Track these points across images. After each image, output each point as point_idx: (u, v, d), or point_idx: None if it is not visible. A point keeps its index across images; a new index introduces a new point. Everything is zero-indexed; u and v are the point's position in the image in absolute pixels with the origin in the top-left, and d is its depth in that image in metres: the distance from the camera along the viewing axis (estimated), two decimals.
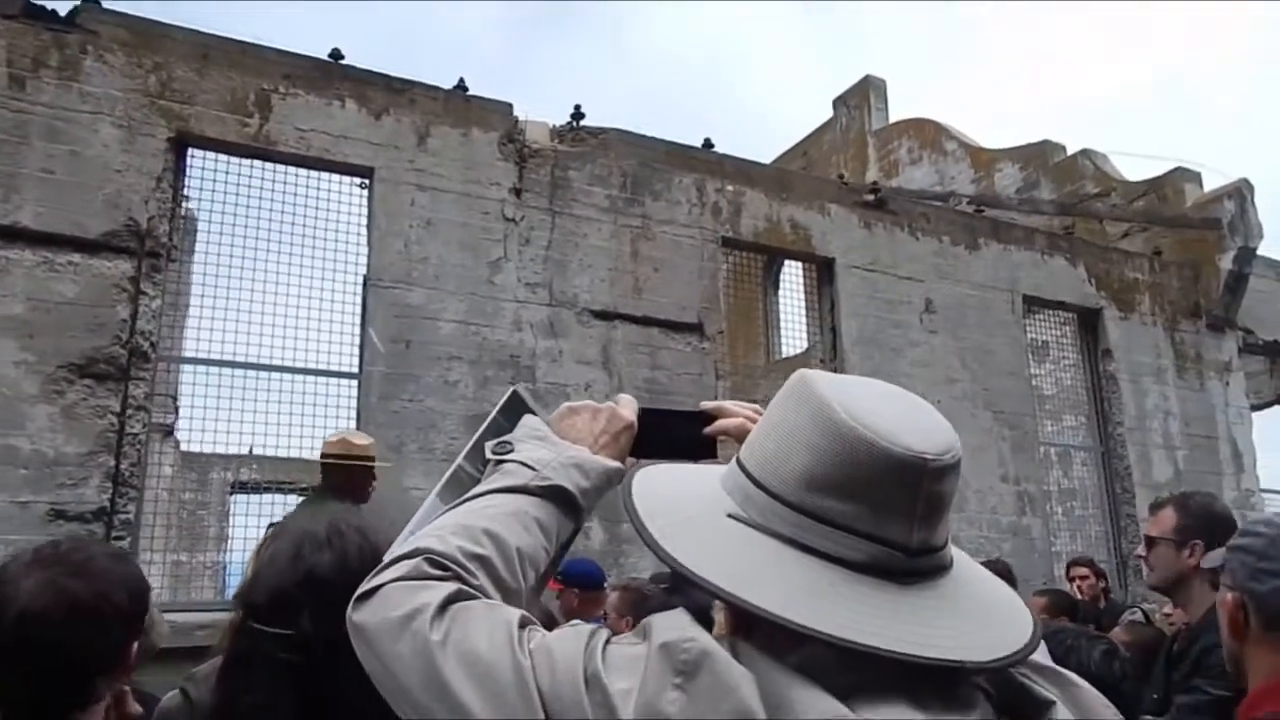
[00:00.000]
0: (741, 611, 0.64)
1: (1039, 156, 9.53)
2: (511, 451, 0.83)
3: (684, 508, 0.72)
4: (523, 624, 0.66)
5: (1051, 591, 4.18)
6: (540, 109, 5.99)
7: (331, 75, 5.04)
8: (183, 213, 4.85)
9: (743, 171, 6.23)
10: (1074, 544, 6.88)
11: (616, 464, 0.86)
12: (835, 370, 5.84)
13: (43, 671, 1.02)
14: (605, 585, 3.68)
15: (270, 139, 4.80)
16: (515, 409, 0.91)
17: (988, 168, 10.10)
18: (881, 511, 0.64)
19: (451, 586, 0.69)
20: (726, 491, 0.72)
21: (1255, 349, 8.47)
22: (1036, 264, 7.22)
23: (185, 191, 4.77)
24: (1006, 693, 0.68)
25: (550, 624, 0.71)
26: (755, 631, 0.64)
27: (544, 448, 0.84)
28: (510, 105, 5.52)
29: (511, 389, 0.95)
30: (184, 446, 6.18)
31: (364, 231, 5.03)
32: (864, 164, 11.55)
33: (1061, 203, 8.69)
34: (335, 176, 5.03)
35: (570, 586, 3.53)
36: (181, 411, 5.05)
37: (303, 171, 4.93)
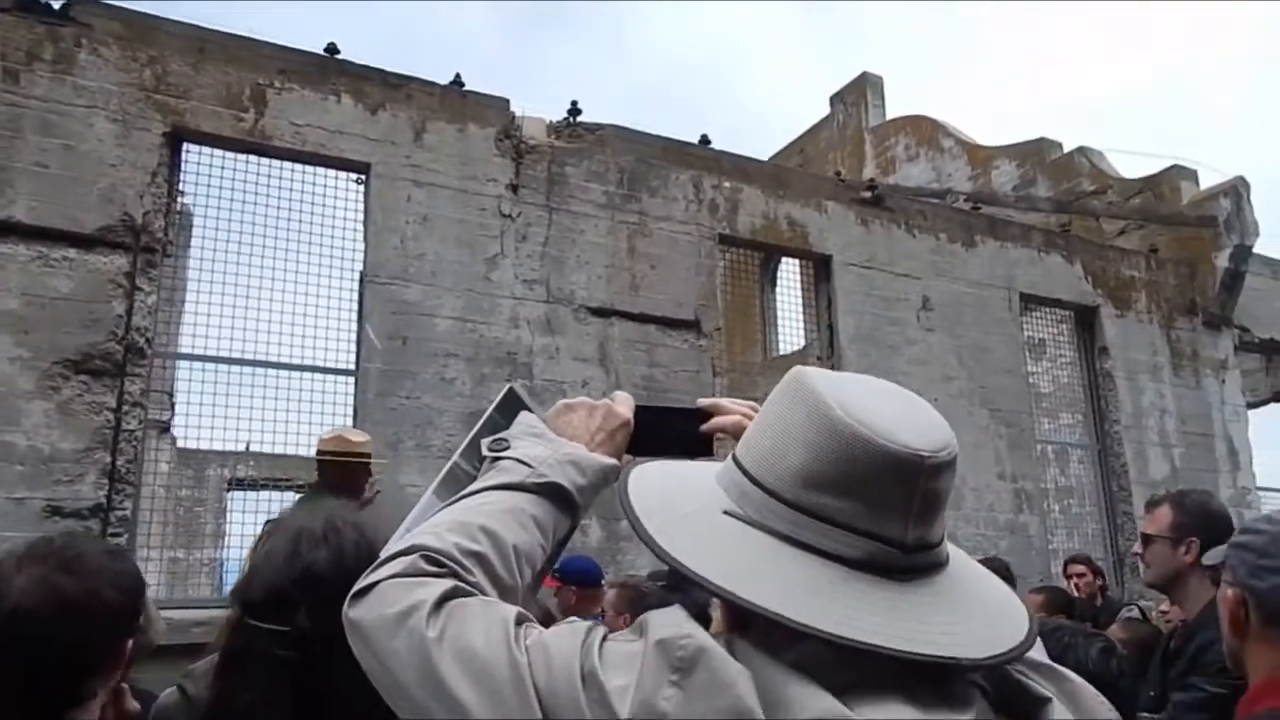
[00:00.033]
0: (738, 608, 0.64)
1: (1036, 154, 9.54)
2: (508, 448, 0.83)
3: (680, 505, 0.72)
4: (519, 621, 0.66)
5: (1048, 589, 4.18)
6: (539, 108, 6.01)
7: (327, 70, 5.03)
8: (178, 208, 4.84)
9: (740, 168, 6.23)
10: (1071, 542, 6.90)
11: (613, 461, 0.86)
12: (832, 367, 5.84)
13: (35, 669, 1.02)
14: (603, 583, 3.68)
15: (266, 134, 4.78)
16: (511, 406, 0.91)
17: (985, 165, 10.11)
18: (878, 508, 0.64)
19: (448, 583, 0.69)
20: (723, 488, 0.72)
21: (1251, 347, 8.50)
22: (1033, 261, 7.23)
23: (180, 186, 4.76)
24: (1003, 689, 0.68)
25: (548, 621, 0.71)
26: (752, 628, 0.64)
27: (540, 445, 0.84)
28: (507, 101, 5.51)
29: (508, 386, 0.95)
30: (180, 443, 6.16)
31: (360, 227, 5.02)
32: (861, 161, 11.56)
33: (1058, 200, 8.70)
34: (331, 172, 5.02)
35: (568, 584, 3.53)
36: (178, 408, 5.04)
37: (298, 167, 4.92)
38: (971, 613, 0.67)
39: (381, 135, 5.06)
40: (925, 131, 11.06)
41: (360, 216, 5.04)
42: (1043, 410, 7.25)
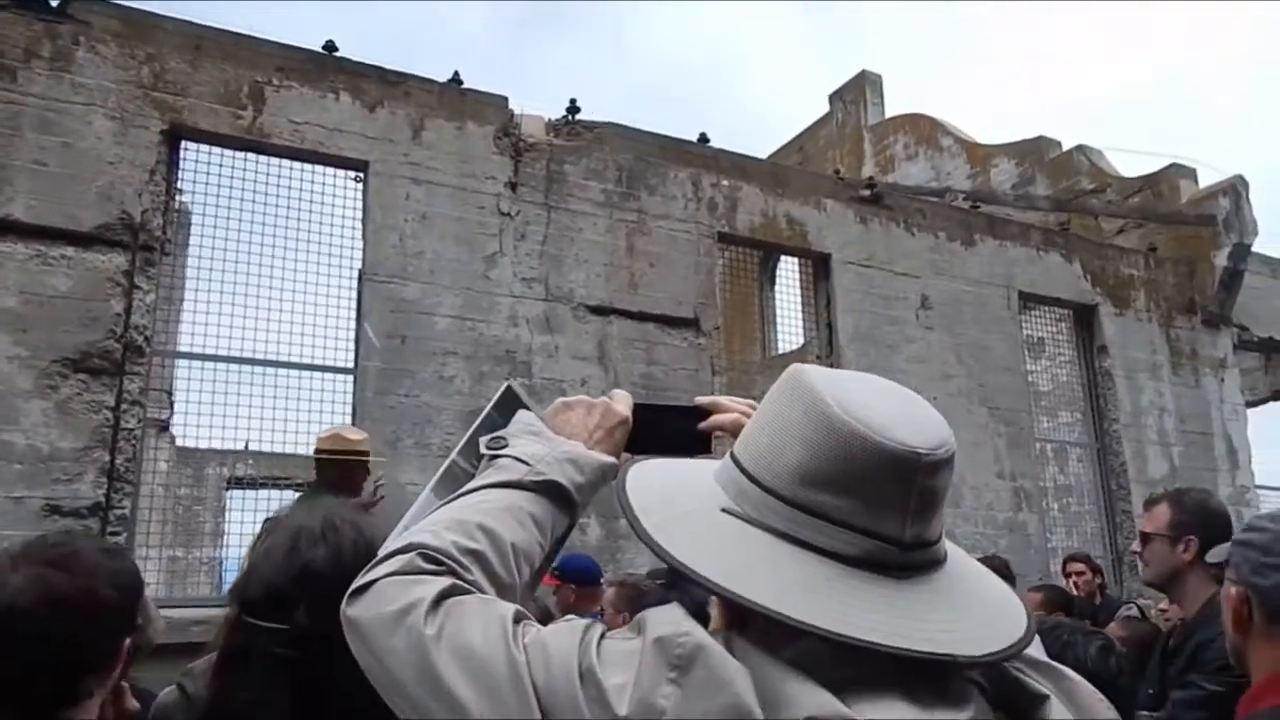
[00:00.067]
0: (736, 606, 0.64)
1: (1034, 152, 9.54)
2: (506, 447, 0.83)
3: (678, 502, 0.72)
4: (517, 619, 0.66)
5: (1047, 587, 4.19)
6: (538, 106, 6.02)
7: (325, 68, 5.02)
8: (176, 206, 4.83)
9: (738, 166, 6.22)
10: (1070, 540, 6.90)
11: (611, 459, 0.86)
12: (831, 366, 5.84)
13: (30, 667, 1.01)
14: (602, 581, 3.68)
15: (264, 132, 4.78)
16: (509, 404, 0.91)
17: (983, 163, 10.11)
18: (875, 506, 0.64)
19: (446, 581, 0.68)
20: (721, 486, 0.72)
21: (1250, 345, 8.50)
22: (1032, 260, 7.23)
23: (179, 184, 4.75)
24: (1001, 687, 0.68)
25: (546, 620, 0.71)
26: (750, 626, 0.64)
27: (538, 443, 0.84)
28: (505, 99, 5.51)
29: (505, 384, 0.95)
30: (179, 442, 6.16)
31: (359, 225, 5.02)
32: (860, 159, 11.56)
33: (1057, 199, 8.70)
34: (330, 170, 5.01)
35: (567, 582, 3.53)
36: (177, 406, 5.04)
37: (297, 165, 4.92)
38: (969, 610, 0.67)
39: (380, 133, 5.06)
40: (924, 130, 11.06)
41: (359, 214, 5.04)
42: (1042, 409, 7.26)
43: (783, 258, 7.60)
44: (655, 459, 0.82)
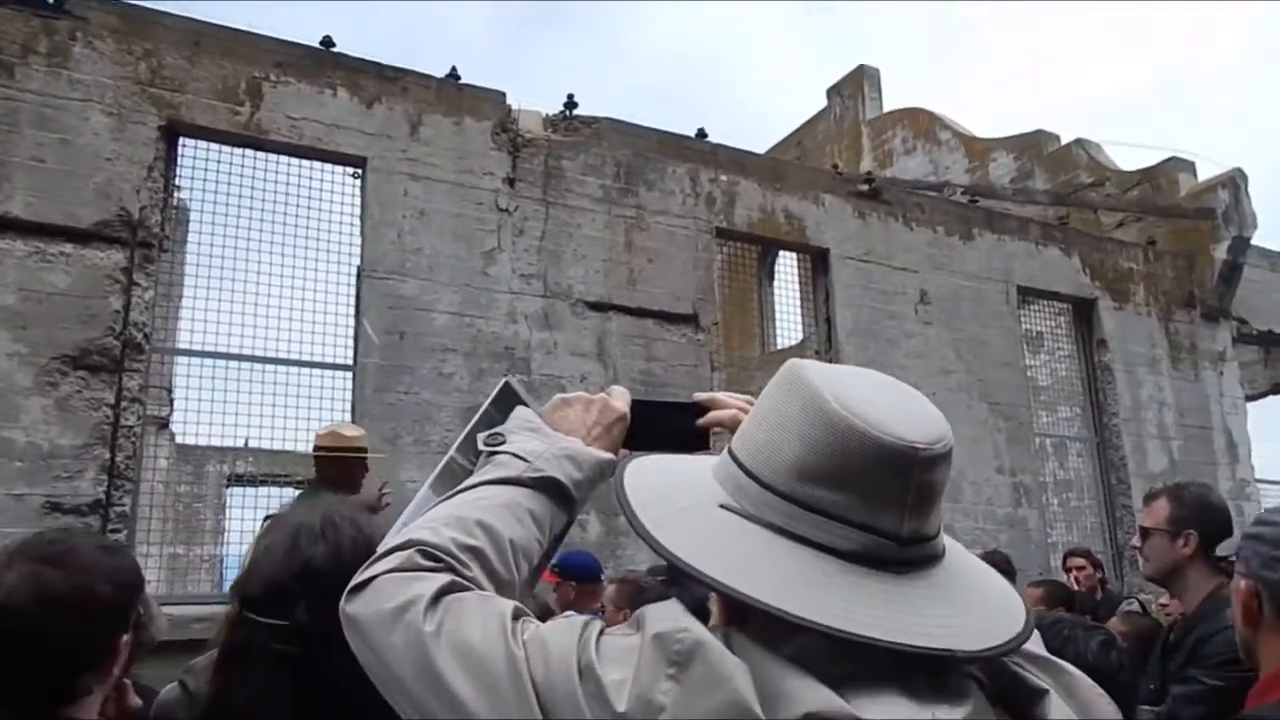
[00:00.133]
0: (735, 602, 0.64)
1: (1033, 146, 9.53)
2: (504, 443, 0.83)
3: (677, 498, 0.72)
4: (516, 615, 0.66)
5: (1047, 582, 4.19)
6: (537, 103, 6.02)
7: (323, 63, 5.01)
8: (175, 202, 4.82)
9: (736, 161, 6.22)
10: (1070, 535, 6.91)
11: (609, 455, 0.86)
12: (830, 361, 5.84)
13: (25, 665, 1.01)
14: (602, 578, 3.69)
15: (262, 128, 4.77)
16: (508, 401, 0.91)
17: (982, 158, 10.10)
18: (873, 501, 0.64)
19: (444, 578, 0.69)
20: (719, 482, 0.72)
21: (1249, 339, 8.50)
22: (1031, 254, 7.23)
23: (177, 181, 4.75)
24: (1000, 682, 0.68)
25: (546, 617, 0.71)
26: (749, 622, 0.64)
27: (536, 439, 0.83)
28: (503, 94, 5.50)
29: (503, 380, 0.95)
30: (179, 439, 6.17)
31: (357, 221, 5.01)
32: (858, 154, 11.54)
33: (1056, 193, 8.69)
34: (328, 166, 5.01)
35: (567, 579, 3.54)
36: (176, 404, 5.04)
37: (295, 161, 4.91)
38: (968, 605, 0.67)
39: (378, 129, 5.05)
40: (922, 124, 11.05)
41: (357, 211, 5.03)
42: (1041, 403, 7.26)
43: (781, 253, 7.60)
44: (653, 455, 0.82)
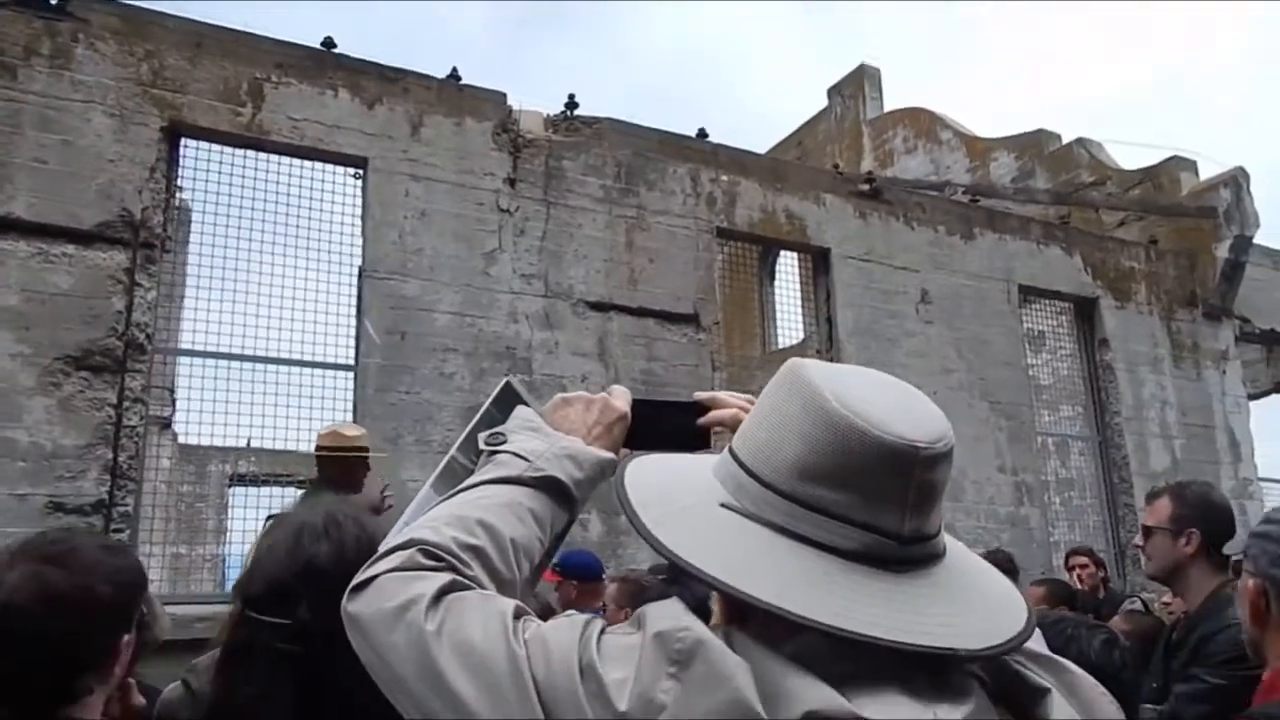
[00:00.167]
0: (736, 601, 0.64)
1: (1034, 145, 9.52)
2: (505, 443, 0.83)
3: (677, 498, 0.72)
4: (517, 614, 0.66)
5: (1050, 581, 4.18)
6: (538, 105, 6.03)
7: (324, 64, 5.01)
8: (176, 203, 4.83)
9: (737, 161, 6.21)
10: (1072, 534, 6.90)
11: (609, 455, 0.86)
12: (831, 361, 5.84)
13: (26, 665, 1.01)
14: (604, 577, 3.69)
15: (263, 128, 4.77)
16: (508, 400, 0.91)
17: (983, 157, 10.09)
18: (874, 500, 0.64)
19: (446, 577, 0.69)
20: (719, 481, 0.72)
21: (1252, 338, 8.49)
22: (1032, 253, 7.22)
23: (179, 182, 4.75)
24: (1001, 680, 0.68)
25: (547, 616, 0.71)
26: (750, 621, 0.64)
27: (537, 439, 0.84)
28: (504, 95, 5.50)
29: (504, 380, 0.95)
30: (182, 439, 6.17)
31: (358, 222, 5.02)
32: (859, 154, 11.54)
33: (1057, 192, 8.68)
34: (329, 166, 5.01)
35: (569, 578, 3.54)
36: (179, 404, 5.04)
37: (296, 162, 4.91)
38: (969, 604, 0.67)
39: (379, 129, 5.05)
40: (923, 124, 11.04)
41: (358, 211, 5.03)
42: (1043, 402, 7.25)
43: (782, 252, 7.60)
44: (654, 454, 0.82)
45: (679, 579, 2.51)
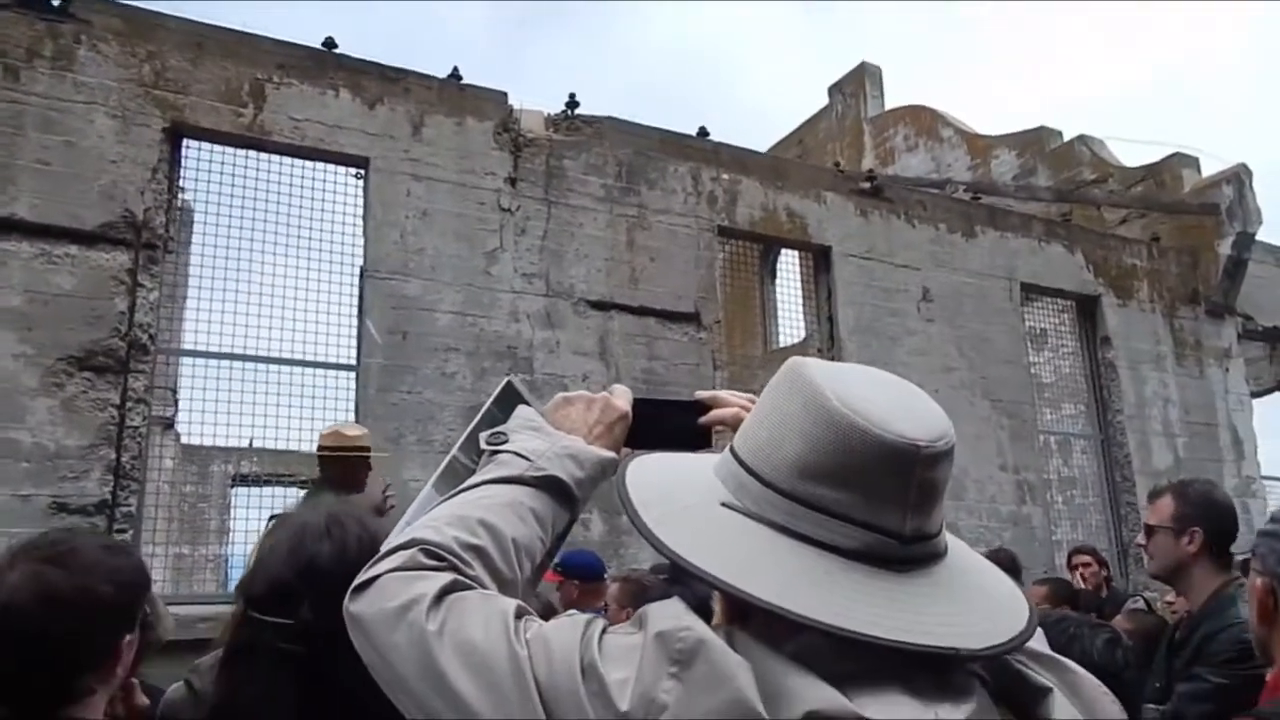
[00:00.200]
0: (737, 600, 0.63)
1: (1035, 143, 9.51)
2: (506, 442, 0.83)
3: (678, 497, 0.72)
4: (519, 614, 0.66)
5: (1052, 580, 4.17)
6: (539, 104, 6.04)
7: (325, 65, 5.02)
8: (179, 204, 4.84)
9: (738, 160, 6.21)
10: (1074, 533, 6.90)
11: (611, 454, 0.86)
12: (832, 359, 5.83)
13: (26, 665, 1.01)
14: (605, 577, 3.68)
15: (265, 129, 4.78)
16: (509, 400, 0.91)
17: (984, 155, 10.08)
18: (874, 499, 0.64)
19: (447, 577, 0.69)
20: (721, 480, 0.72)
21: (1255, 335, 8.47)
22: (1034, 251, 7.21)
23: (181, 182, 4.76)
24: (1003, 680, 0.68)
25: (549, 615, 0.71)
26: (751, 620, 0.64)
27: (538, 438, 0.84)
28: (505, 94, 5.50)
29: (505, 380, 0.95)
30: (184, 439, 6.18)
31: (360, 222, 5.02)
32: (860, 152, 11.52)
33: (1058, 189, 8.67)
34: (330, 166, 5.01)
35: (570, 578, 3.54)
36: (181, 404, 5.05)
37: (298, 162, 4.92)
38: (970, 603, 0.67)
39: (380, 129, 5.06)
40: (924, 121, 11.03)
41: (360, 211, 5.04)
42: (1045, 401, 7.24)
43: (783, 251, 7.59)
44: (655, 454, 0.82)
45: (681, 579, 2.51)
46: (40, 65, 4.37)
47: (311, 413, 4.63)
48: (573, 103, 5.73)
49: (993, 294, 6.88)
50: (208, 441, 4.96)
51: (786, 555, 0.65)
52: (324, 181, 4.98)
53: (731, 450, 0.73)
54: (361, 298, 4.92)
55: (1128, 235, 8.09)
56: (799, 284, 6.76)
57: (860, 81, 11.95)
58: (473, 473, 0.83)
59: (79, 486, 4.07)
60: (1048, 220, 7.64)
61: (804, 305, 6.67)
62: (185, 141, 4.73)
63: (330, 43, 5.10)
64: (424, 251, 5.03)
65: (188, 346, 4.69)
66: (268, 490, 5.63)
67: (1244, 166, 8.12)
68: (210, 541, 6.48)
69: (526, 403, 0.91)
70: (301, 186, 4.90)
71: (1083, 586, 4.49)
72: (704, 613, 0.65)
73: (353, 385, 4.82)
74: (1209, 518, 2.18)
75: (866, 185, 6.66)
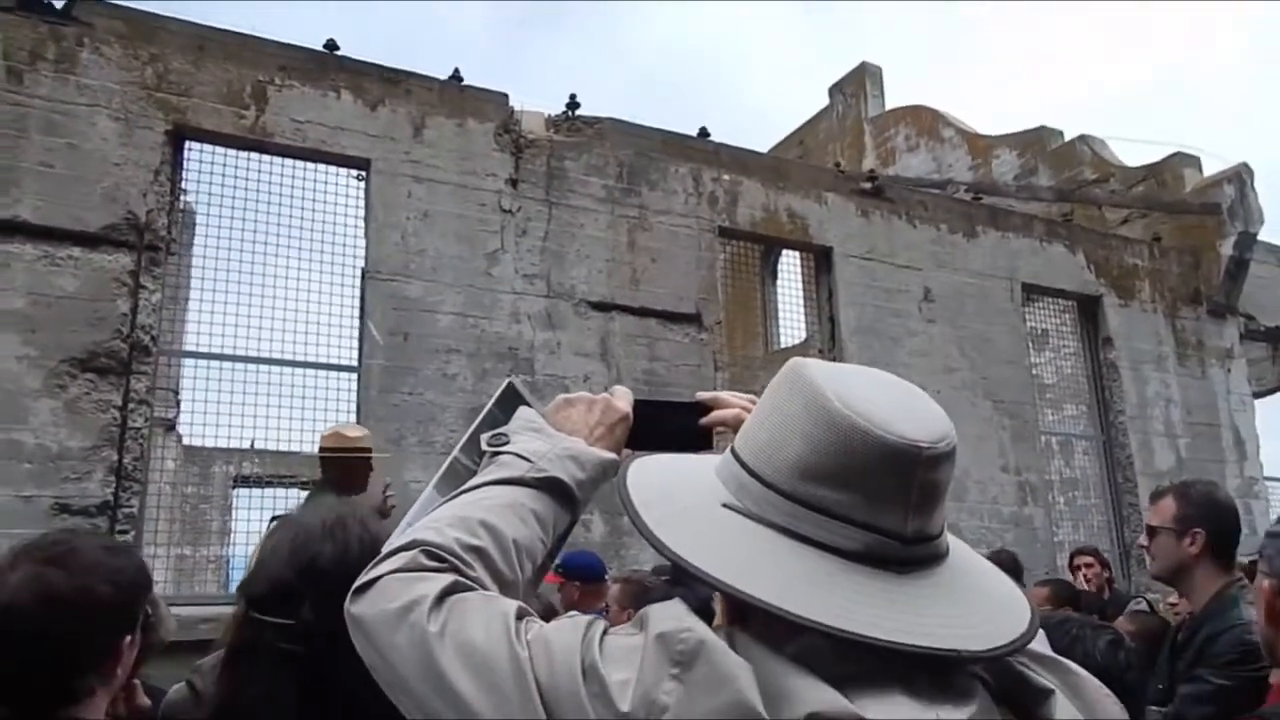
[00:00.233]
0: (738, 601, 0.64)
1: (1036, 143, 9.50)
2: (507, 443, 0.83)
3: (679, 498, 0.72)
4: (520, 615, 0.66)
5: (1054, 581, 4.17)
6: (539, 104, 6.06)
7: (327, 66, 5.03)
8: (181, 206, 4.85)
9: (739, 161, 6.21)
10: (1076, 534, 6.88)
11: (612, 455, 0.86)
12: (834, 360, 5.82)
13: (26, 665, 1.01)
14: (606, 578, 3.68)
15: (267, 131, 4.79)
16: (511, 401, 0.92)
17: (985, 155, 10.07)
18: (876, 500, 0.64)
19: (448, 578, 0.69)
20: (722, 481, 0.72)
21: (1257, 335, 8.46)
22: (1035, 251, 7.20)
23: (183, 184, 4.77)
24: (1005, 681, 0.68)
25: (550, 617, 0.71)
26: (752, 621, 0.64)
27: (539, 439, 0.84)
28: (505, 95, 5.50)
29: (506, 381, 0.95)
30: (186, 440, 6.19)
31: (361, 223, 5.03)
32: (861, 152, 11.52)
33: (1060, 189, 8.66)
34: (332, 168, 5.02)
35: (571, 579, 3.54)
36: (183, 406, 5.06)
37: (299, 164, 4.93)
38: (972, 605, 0.67)
39: (381, 131, 5.06)
40: (925, 122, 11.02)
41: (361, 212, 5.04)
42: (1046, 401, 7.23)
43: (784, 252, 7.58)
44: (656, 455, 0.82)
45: (682, 580, 2.51)
46: (43, 68, 4.38)
47: (313, 414, 4.63)
48: (573, 104, 5.73)
49: (994, 294, 6.87)
50: (209, 443, 4.97)
51: (787, 556, 0.65)
52: (325, 183, 4.99)
53: (732, 451, 0.73)
54: (363, 299, 4.92)
55: (1129, 235, 8.08)
56: (800, 285, 6.75)
57: (861, 82, 11.95)
58: (474, 474, 0.83)
59: (81, 488, 4.07)
60: (1049, 220, 7.64)
61: (805, 306, 6.67)
62: (187, 143, 4.73)
63: (332, 44, 5.11)
64: (425, 253, 5.04)
65: (190, 348, 4.70)
66: (269, 491, 5.64)
67: (1245, 166, 8.10)
68: (212, 542, 6.48)
69: (528, 404, 0.91)
70: (303, 188, 4.91)
71: (1085, 588, 4.49)
72: (706, 614, 0.65)
73: (354, 386, 4.83)
74: (1211, 519, 2.17)
75: (867, 185, 6.65)
